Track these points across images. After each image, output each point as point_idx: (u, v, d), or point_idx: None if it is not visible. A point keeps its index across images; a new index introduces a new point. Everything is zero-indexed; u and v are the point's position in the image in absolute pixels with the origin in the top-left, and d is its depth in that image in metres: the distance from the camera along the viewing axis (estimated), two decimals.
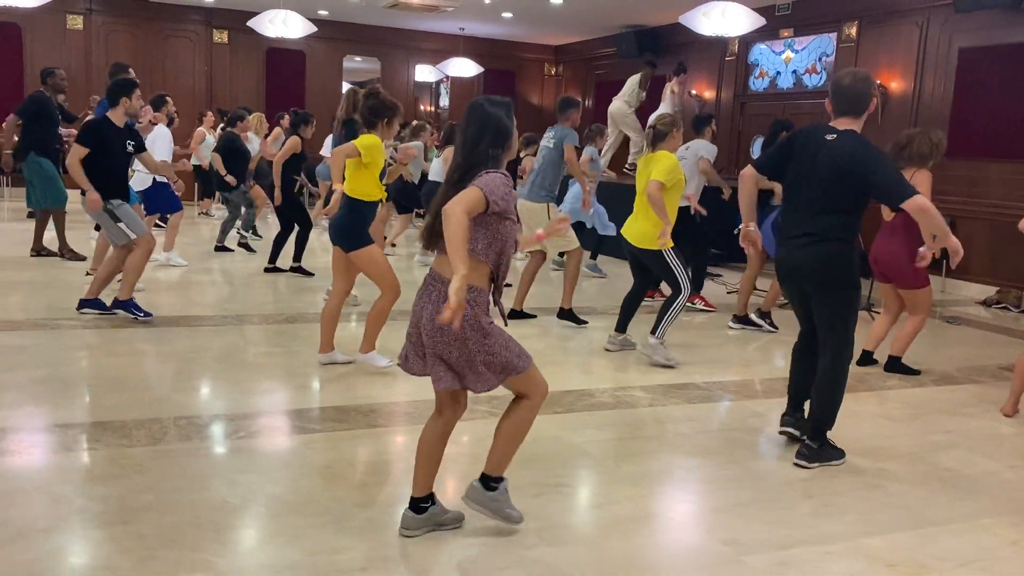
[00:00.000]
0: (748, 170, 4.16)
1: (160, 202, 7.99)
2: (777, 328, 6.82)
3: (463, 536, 3.08)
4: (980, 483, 3.88)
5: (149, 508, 3.16)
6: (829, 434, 4.01)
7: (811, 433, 3.99)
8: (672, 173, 5.39)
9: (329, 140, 9.03)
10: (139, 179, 7.61)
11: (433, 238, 2.88)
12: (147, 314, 6.02)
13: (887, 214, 5.57)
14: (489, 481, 3.04)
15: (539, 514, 3.27)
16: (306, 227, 8.29)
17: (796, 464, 3.92)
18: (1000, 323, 8.05)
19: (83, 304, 6.09)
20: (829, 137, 3.82)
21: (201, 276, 8.21)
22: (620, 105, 11.78)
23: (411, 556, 2.91)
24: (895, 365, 5.73)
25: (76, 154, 5.77)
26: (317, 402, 4.64)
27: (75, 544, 2.88)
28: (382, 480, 3.59)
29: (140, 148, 6.24)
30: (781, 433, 4.24)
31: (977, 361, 6.32)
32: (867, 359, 5.84)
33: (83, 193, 5.83)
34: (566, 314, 6.61)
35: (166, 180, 7.42)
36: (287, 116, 11.85)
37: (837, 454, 4.01)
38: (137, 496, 3.26)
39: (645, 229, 5.50)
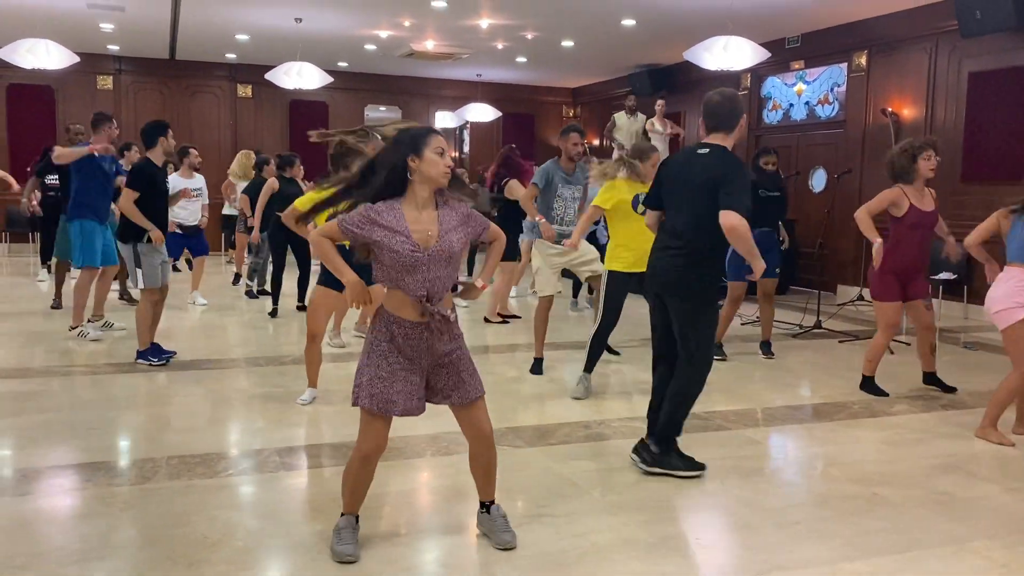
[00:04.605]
0: (651, 216, 4.27)
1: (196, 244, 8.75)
2: (727, 357, 6.78)
3: (437, 566, 3.07)
4: (976, 506, 3.78)
5: (128, 544, 3.21)
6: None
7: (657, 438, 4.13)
8: None
9: None
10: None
11: None
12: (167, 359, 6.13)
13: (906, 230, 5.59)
14: (482, 505, 3.32)
15: (518, 543, 3.25)
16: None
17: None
18: None
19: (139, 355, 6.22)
20: (701, 151, 3.97)
21: (216, 320, 8.36)
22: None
23: None
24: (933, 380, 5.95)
25: (128, 198, 5.96)
26: (307, 440, 4.66)
27: None
28: (362, 514, 3.59)
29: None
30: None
31: (991, 386, 6.16)
32: (934, 380, 5.93)
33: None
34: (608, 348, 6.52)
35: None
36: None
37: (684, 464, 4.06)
38: (117, 533, 3.31)
39: None
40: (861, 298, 9.95)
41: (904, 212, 5.53)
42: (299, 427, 4.85)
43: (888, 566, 3.14)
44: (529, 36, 11.98)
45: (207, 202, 9.38)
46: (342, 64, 14.72)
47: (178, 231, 8.69)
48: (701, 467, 4.08)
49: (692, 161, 4.01)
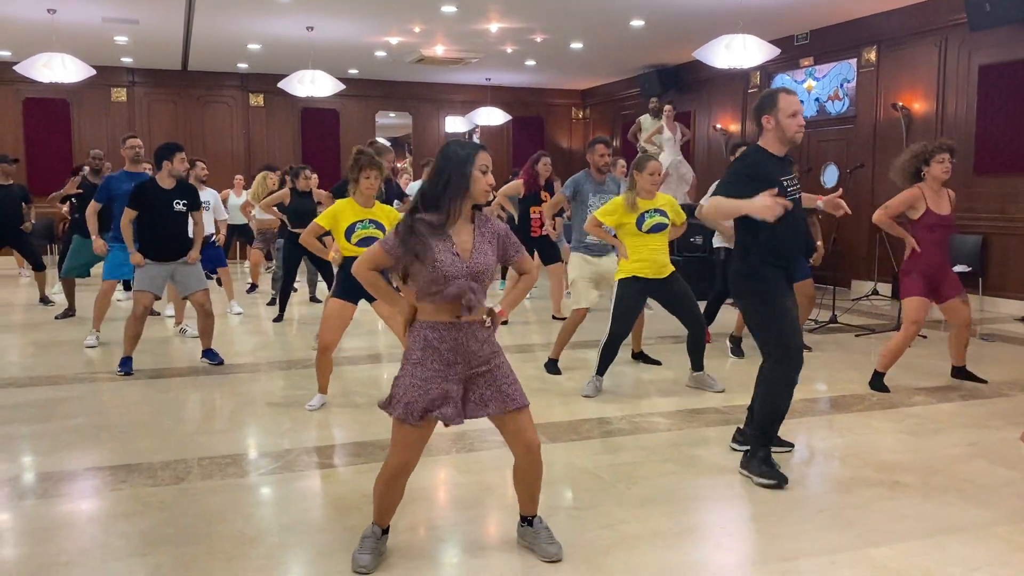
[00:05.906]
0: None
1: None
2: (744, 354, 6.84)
3: (468, 556, 3.14)
4: (998, 492, 3.82)
5: (168, 541, 3.29)
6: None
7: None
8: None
9: None
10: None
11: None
12: (126, 372, 6.17)
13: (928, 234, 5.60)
14: (524, 519, 3.24)
15: None
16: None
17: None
18: None
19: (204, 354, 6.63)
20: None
21: (236, 326, 8.47)
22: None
23: None
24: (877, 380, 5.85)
25: (126, 216, 6.30)
26: (335, 439, 4.76)
27: None
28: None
29: (194, 206, 6.40)
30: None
31: (1009, 376, 6.21)
32: (964, 373, 5.98)
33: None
34: (640, 355, 6.68)
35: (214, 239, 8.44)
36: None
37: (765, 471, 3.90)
38: (157, 531, 3.39)
39: None
40: (875, 292, 9.98)
41: (920, 214, 5.56)
42: (326, 427, 4.93)
43: (913, 550, 3.19)
44: (538, 39, 12.07)
45: (225, 217, 9.47)
46: (352, 71, 14.85)
47: None
48: (780, 479, 3.84)
49: None
